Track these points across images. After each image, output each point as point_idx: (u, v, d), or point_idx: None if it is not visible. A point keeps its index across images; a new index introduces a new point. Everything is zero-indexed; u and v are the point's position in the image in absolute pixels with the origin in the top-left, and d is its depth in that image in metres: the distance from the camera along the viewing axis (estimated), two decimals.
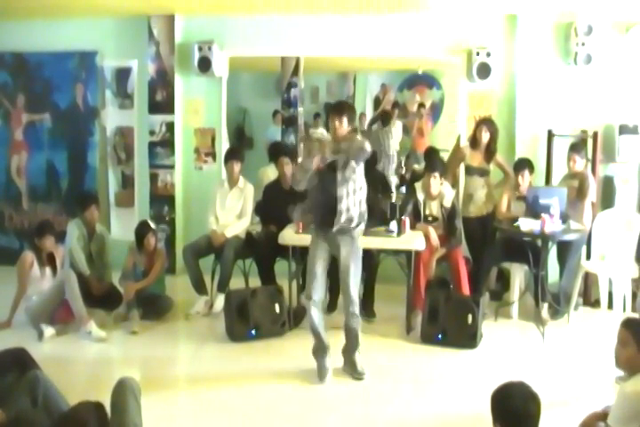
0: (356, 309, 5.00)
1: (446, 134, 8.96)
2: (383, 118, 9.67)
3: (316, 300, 4.99)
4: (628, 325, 3.35)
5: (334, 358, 5.10)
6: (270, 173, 7.38)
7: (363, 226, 5.02)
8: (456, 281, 6.22)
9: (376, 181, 7.29)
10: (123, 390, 3.40)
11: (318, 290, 5.00)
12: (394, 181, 7.14)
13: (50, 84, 8.17)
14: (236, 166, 6.80)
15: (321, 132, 10.09)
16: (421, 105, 10.21)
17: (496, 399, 2.97)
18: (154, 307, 6.36)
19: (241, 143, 9.66)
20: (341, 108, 4.95)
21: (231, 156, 6.92)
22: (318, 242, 5.00)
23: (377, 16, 7.41)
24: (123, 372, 4.22)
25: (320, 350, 5.07)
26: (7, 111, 8.33)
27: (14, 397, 3.56)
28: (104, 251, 6.61)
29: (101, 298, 6.33)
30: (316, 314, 5.00)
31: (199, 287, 6.60)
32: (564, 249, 6.32)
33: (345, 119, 4.83)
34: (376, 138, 9.31)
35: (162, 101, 7.85)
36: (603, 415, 3.33)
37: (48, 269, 6.10)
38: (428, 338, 5.74)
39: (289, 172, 6.74)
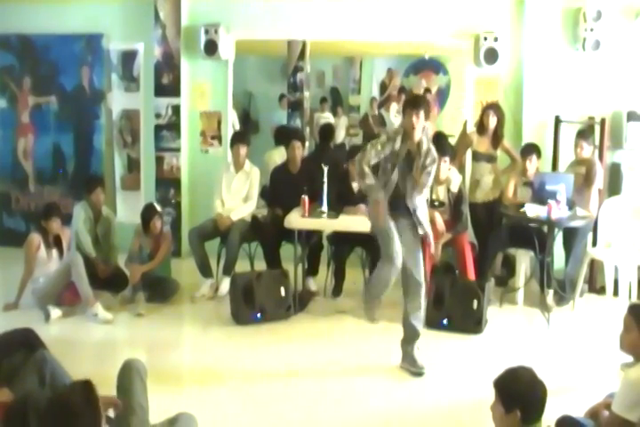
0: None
1: (452, 120, 8.93)
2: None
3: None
4: (633, 310, 3.36)
5: (333, 347, 5.09)
6: (276, 157, 7.38)
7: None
8: (461, 266, 6.23)
9: None
10: (129, 372, 3.41)
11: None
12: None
13: (56, 66, 8.15)
14: (242, 150, 6.79)
15: (327, 116, 10.07)
16: (427, 90, 10.15)
17: (504, 385, 2.95)
18: (159, 289, 6.38)
19: (247, 127, 9.64)
20: (419, 101, 4.82)
21: (237, 139, 6.93)
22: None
23: (384, 0, 7.36)
24: (128, 354, 4.25)
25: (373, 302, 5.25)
26: (13, 94, 8.31)
27: (21, 376, 3.58)
28: (110, 233, 6.62)
29: (107, 280, 6.35)
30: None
31: (205, 270, 6.62)
32: (570, 236, 6.32)
33: (422, 114, 4.70)
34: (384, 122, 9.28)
35: (168, 84, 7.83)
36: (608, 404, 3.35)
37: (55, 252, 6.11)
38: (433, 323, 5.73)
39: (299, 155, 6.75)
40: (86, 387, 2.75)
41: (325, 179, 6.03)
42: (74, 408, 2.63)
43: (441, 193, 6.39)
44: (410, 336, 5.01)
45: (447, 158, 6.29)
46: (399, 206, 4.81)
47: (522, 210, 6.01)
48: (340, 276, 6.42)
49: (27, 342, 3.93)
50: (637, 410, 3.03)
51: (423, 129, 4.74)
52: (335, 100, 10.56)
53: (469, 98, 7.52)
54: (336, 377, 4.88)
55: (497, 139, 6.78)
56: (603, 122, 6.73)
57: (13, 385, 3.49)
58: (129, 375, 3.39)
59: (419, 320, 4.99)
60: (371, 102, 10.30)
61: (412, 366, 4.95)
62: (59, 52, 8.08)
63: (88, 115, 8.14)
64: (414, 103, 4.76)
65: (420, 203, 4.88)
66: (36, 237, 6.06)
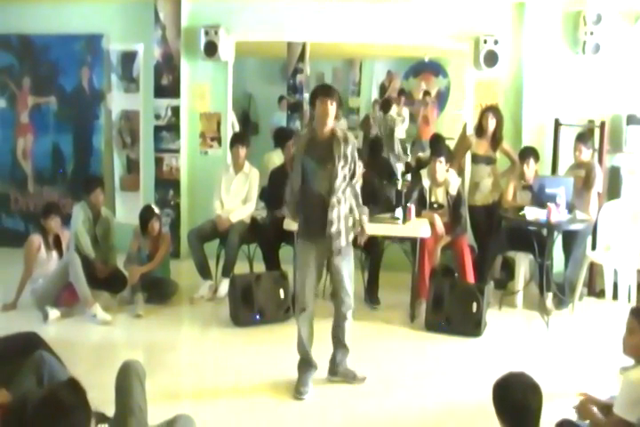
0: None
1: (452, 122, 8.93)
2: (383, 105, 9.66)
3: (310, 310, 4.71)
4: (636, 313, 3.37)
5: (331, 348, 5.05)
6: (275, 159, 7.38)
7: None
8: (461, 269, 6.22)
9: (381, 168, 7.30)
10: (127, 373, 3.40)
11: (312, 300, 4.68)
12: (399, 167, 7.12)
13: (56, 67, 8.15)
14: (242, 151, 6.79)
15: None
16: (427, 93, 10.18)
17: (496, 391, 2.97)
18: (158, 291, 6.37)
19: (246, 128, 9.64)
20: (330, 90, 4.49)
21: (237, 140, 6.92)
22: (308, 248, 4.60)
23: (384, 3, 7.37)
24: (127, 355, 4.24)
25: (306, 365, 4.76)
26: (13, 94, 8.31)
27: (19, 377, 3.57)
28: (109, 234, 6.62)
29: (106, 281, 6.35)
30: (307, 328, 4.69)
31: (204, 272, 6.61)
32: (570, 239, 6.32)
33: (335, 103, 4.43)
34: (381, 124, 9.29)
35: (167, 85, 7.83)
36: (596, 401, 3.38)
37: (54, 253, 6.11)
38: (432, 326, 5.75)
39: None
40: (73, 383, 2.75)
41: None
42: (64, 404, 2.62)
43: (440, 195, 6.38)
44: (342, 354, 4.88)
45: (442, 159, 6.28)
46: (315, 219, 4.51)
47: (521, 213, 6.01)
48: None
49: (30, 345, 3.92)
50: (638, 411, 3.04)
51: (336, 117, 4.52)
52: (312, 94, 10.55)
53: (469, 100, 7.53)
54: (334, 380, 4.87)
55: (496, 141, 6.78)
56: (602, 125, 6.73)
57: (12, 386, 3.48)
58: (127, 376, 3.38)
59: (347, 337, 4.87)
60: (373, 104, 10.30)
61: (353, 379, 4.84)
62: (58, 53, 8.08)
63: (87, 115, 8.13)
64: (327, 91, 4.46)
65: (342, 206, 4.53)
66: (36, 239, 6.05)
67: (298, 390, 4.60)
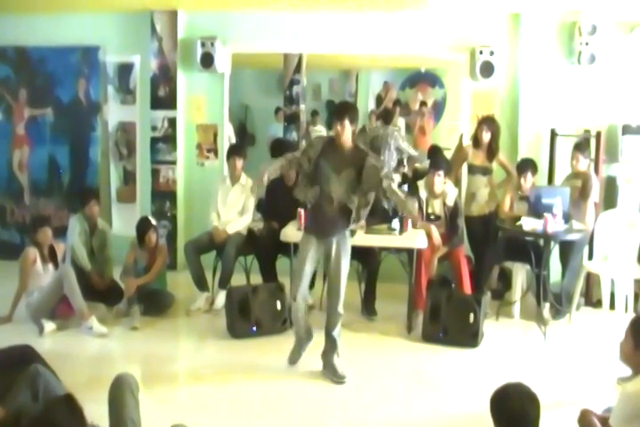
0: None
1: (448, 133, 8.96)
2: (385, 116, 9.67)
3: (300, 300, 5.04)
4: (632, 322, 3.37)
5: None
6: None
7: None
8: (457, 280, 6.21)
9: None
10: (120, 386, 3.40)
11: (304, 290, 5.07)
12: (396, 178, 7.12)
13: (52, 78, 8.15)
14: (239, 162, 6.78)
15: (319, 129, 10.07)
16: (423, 103, 10.20)
17: (494, 402, 2.96)
18: (155, 303, 6.35)
19: (243, 140, 9.64)
20: (344, 109, 4.87)
21: (233, 152, 6.92)
22: (311, 241, 4.95)
23: (380, 14, 7.38)
24: (123, 368, 4.23)
25: (305, 337, 5.19)
26: (9, 106, 8.30)
27: (14, 392, 3.55)
28: (105, 246, 6.61)
29: (102, 293, 6.35)
30: (303, 309, 5.09)
31: (200, 284, 6.59)
32: (567, 249, 6.31)
33: (347, 122, 4.74)
34: (378, 135, 9.27)
35: (164, 97, 7.84)
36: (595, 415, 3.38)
37: (50, 265, 6.08)
38: (429, 337, 5.73)
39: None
40: (68, 400, 2.74)
41: None
42: (59, 422, 2.61)
43: (437, 206, 6.38)
44: (330, 348, 5.07)
45: (441, 172, 6.28)
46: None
47: (518, 223, 6.00)
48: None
49: (25, 358, 3.90)
50: (635, 424, 3.02)
51: (354, 134, 4.87)
52: (331, 113, 10.58)
53: (465, 111, 7.54)
54: (333, 390, 4.85)
55: (492, 152, 6.77)
56: (598, 135, 6.75)
57: (6, 401, 3.46)
58: (120, 389, 3.38)
59: (338, 333, 5.07)
60: (369, 115, 10.33)
61: (333, 375, 4.99)
62: (55, 64, 8.08)
63: (84, 127, 8.13)
64: (340, 113, 4.80)
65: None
66: (32, 252, 6.02)
67: (292, 357, 5.22)
